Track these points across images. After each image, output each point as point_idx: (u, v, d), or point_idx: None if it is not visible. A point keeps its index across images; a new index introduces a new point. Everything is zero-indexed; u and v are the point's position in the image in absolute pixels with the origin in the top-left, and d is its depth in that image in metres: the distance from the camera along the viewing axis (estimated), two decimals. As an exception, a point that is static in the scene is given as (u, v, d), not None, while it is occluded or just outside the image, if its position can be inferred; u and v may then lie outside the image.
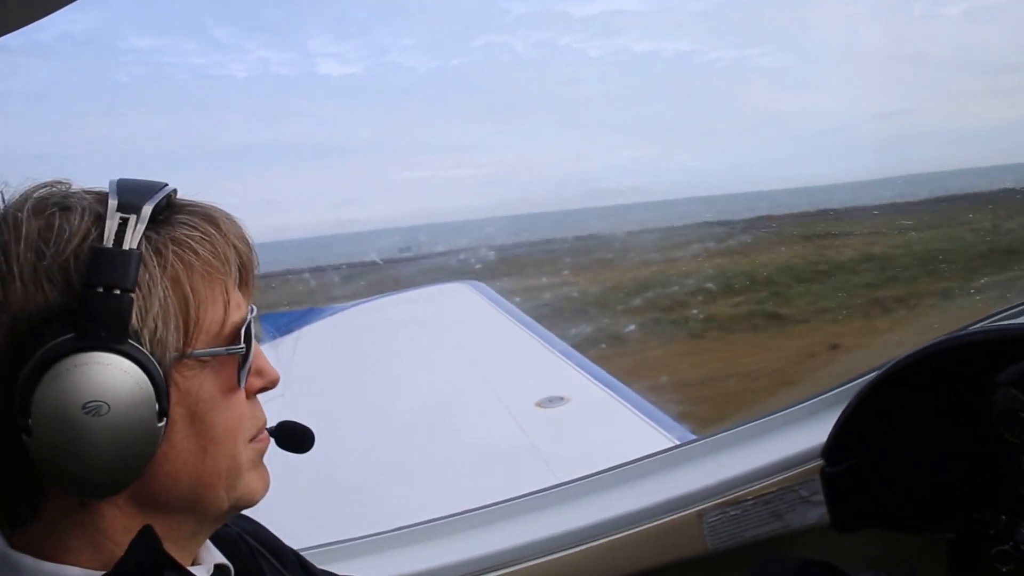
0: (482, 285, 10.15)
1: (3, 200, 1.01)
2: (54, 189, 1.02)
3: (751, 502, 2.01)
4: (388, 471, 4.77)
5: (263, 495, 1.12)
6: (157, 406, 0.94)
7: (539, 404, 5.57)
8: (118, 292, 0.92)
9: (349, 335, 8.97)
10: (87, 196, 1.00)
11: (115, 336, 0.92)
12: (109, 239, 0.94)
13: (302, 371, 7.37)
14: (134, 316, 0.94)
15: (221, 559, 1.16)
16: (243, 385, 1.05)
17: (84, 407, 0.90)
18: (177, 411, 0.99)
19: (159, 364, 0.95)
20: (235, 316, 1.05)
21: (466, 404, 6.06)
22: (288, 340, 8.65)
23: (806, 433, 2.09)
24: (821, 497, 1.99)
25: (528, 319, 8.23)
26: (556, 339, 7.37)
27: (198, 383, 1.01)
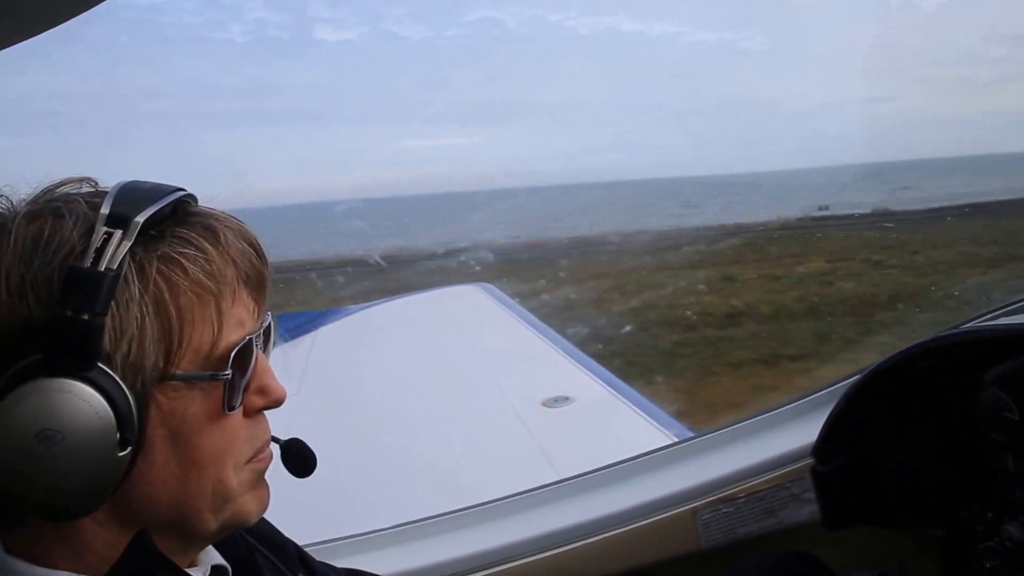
0: (492, 287, 10.16)
1: (10, 202, 0.97)
2: (62, 191, 0.98)
3: (743, 499, 2.00)
4: (396, 468, 4.77)
5: (258, 516, 1.07)
6: (118, 435, 0.89)
7: (545, 404, 5.57)
8: (87, 316, 0.87)
9: (363, 336, 8.97)
10: (86, 202, 0.95)
11: (82, 361, 0.88)
12: (88, 256, 0.89)
13: (318, 371, 7.39)
14: (106, 338, 0.89)
15: (218, 559, 1.13)
16: (232, 409, 1.00)
17: (37, 435, 0.86)
18: (158, 432, 0.94)
19: (132, 388, 0.90)
20: (231, 336, 0.99)
21: (475, 404, 6.06)
22: (305, 340, 8.67)
23: (797, 432, 2.08)
24: (812, 495, 1.98)
25: (536, 320, 8.23)
26: (563, 339, 7.36)
27: (183, 405, 0.96)
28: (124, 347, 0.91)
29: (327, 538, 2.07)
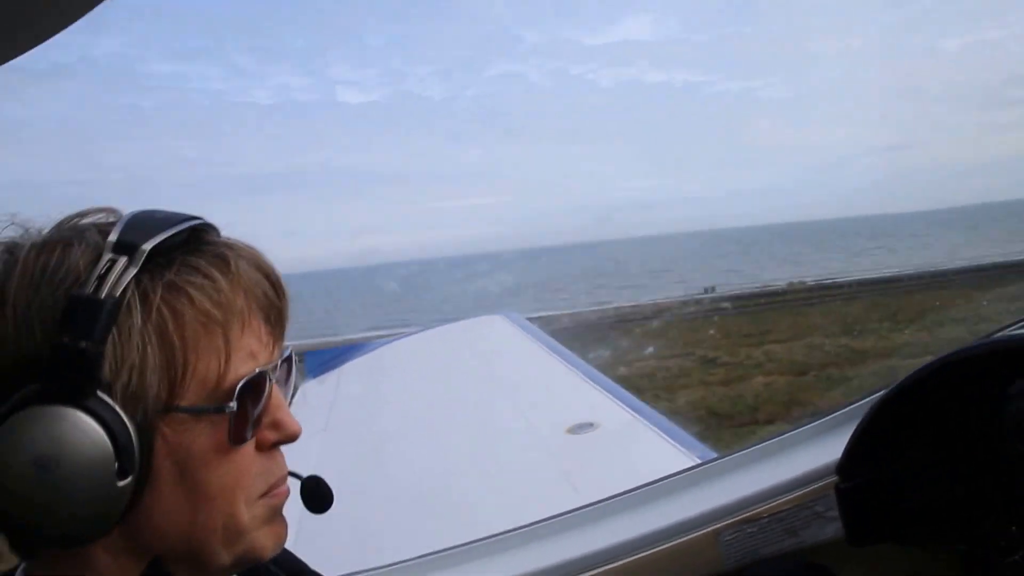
0: (516, 316, 10.14)
1: (25, 230, 0.96)
2: (81, 221, 0.97)
3: (766, 519, 1.97)
4: (423, 498, 4.76)
5: (274, 551, 1.05)
6: (117, 464, 0.88)
7: (570, 430, 5.54)
8: (85, 344, 0.86)
9: (390, 370, 8.99)
10: (98, 230, 0.94)
11: (79, 390, 0.86)
12: (91, 283, 0.88)
13: (345, 405, 7.41)
14: (106, 367, 0.88)
15: None
16: (239, 443, 0.97)
17: (34, 462, 0.85)
18: (165, 464, 0.93)
19: (133, 418, 0.89)
20: (241, 368, 0.97)
21: (500, 433, 6.04)
22: (332, 375, 8.70)
23: (821, 450, 2.04)
24: (835, 513, 1.94)
25: (560, 347, 8.20)
26: (587, 365, 7.33)
27: (190, 437, 0.94)
28: (124, 376, 0.89)
29: (355, 570, 2.05)
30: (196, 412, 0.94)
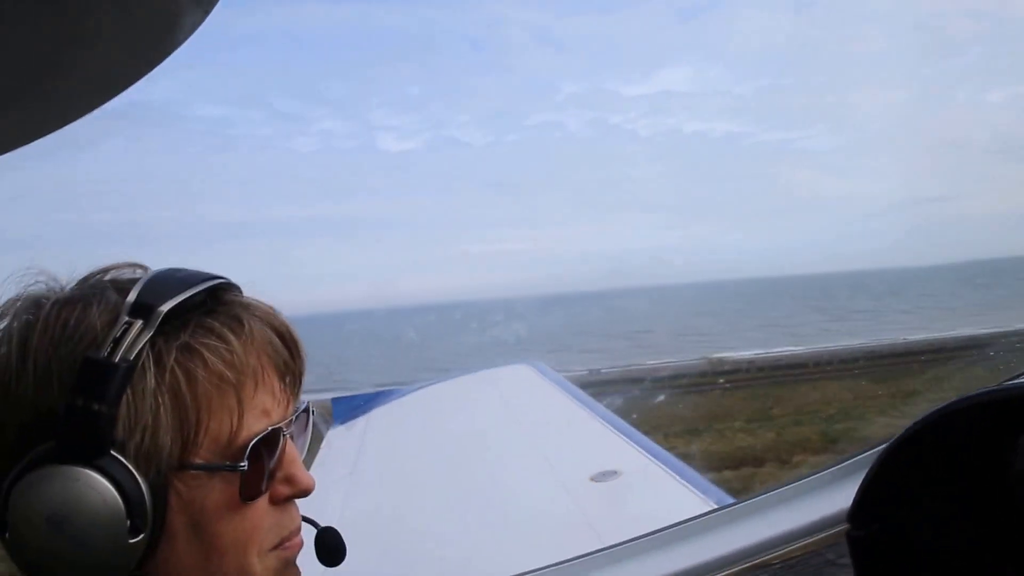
0: (543, 366, 10.14)
1: (59, 284, 0.99)
2: (104, 277, 1.00)
3: (778, 566, 1.96)
4: (450, 542, 4.75)
5: None
6: (129, 522, 0.89)
7: (593, 479, 5.53)
8: (98, 406, 0.87)
9: (417, 417, 9.00)
10: (117, 289, 0.96)
11: (92, 450, 0.88)
12: (106, 346, 0.89)
13: (372, 451, 7.41)
14: (119, 428, 0.89)
15: None
16: (251, 499, 0.98)
17: (48, 520, 0.87)
18: (179, 519, 0.94)
19: (146, 477, 0.90)
20: (254, 426, 0.98)
21: (525, 480, 6.02)
22: (360, 421, 8.71)
23: (833, 497, 2.04)
24: (847, 560, 1.93)
25: (586, 396, 8.20)
26: (611, 414, 7.31)
27: (203, 493, 0.95)
28: (137, 436, 0.90)
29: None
30: (209, 469, 0.95)
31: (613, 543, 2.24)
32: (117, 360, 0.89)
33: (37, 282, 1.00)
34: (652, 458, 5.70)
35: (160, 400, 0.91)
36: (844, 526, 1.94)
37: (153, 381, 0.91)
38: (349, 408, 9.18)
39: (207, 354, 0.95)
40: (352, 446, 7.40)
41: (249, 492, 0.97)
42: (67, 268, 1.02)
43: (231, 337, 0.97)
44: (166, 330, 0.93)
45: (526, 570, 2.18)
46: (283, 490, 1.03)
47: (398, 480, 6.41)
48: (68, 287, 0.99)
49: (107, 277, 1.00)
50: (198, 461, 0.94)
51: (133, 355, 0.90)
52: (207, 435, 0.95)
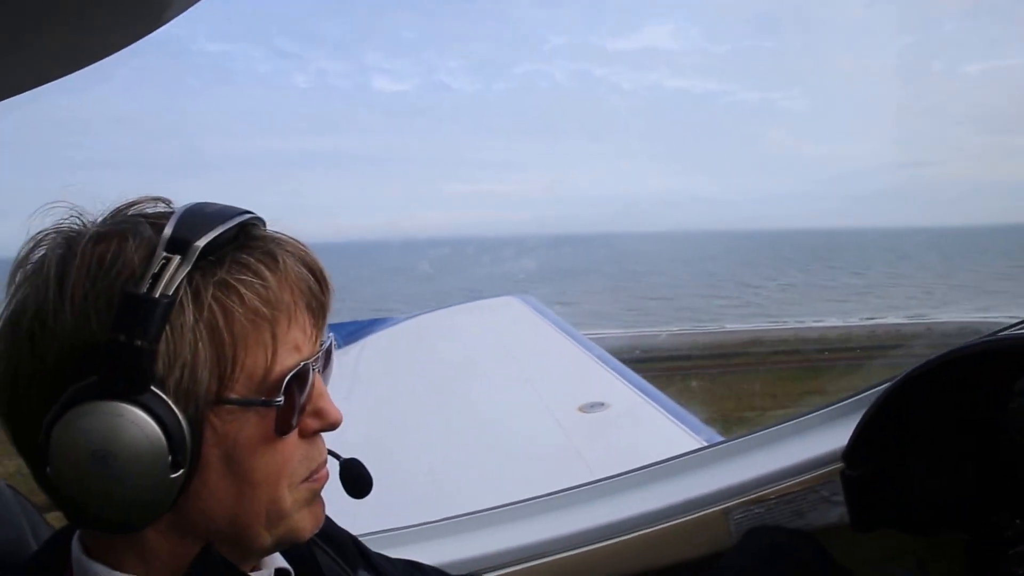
0: (531, 298, 10.15)
1: (80, 221, 0.97)
2: (133, 211, 0.98)
3: (774, 501, 1.98)
4: (442, 468, 4.79)
5: (312, 532, 1.07)
6: (170, 458, 0.89)
7: (581, 409, 5.56)
8: (140, 342, 0.86)
9: (409, 345, 9.02)
10: (151, 224, 0.94)
11: (134, 386, 0.87)
12: (146, 281, 0.88)
13: (366, 377, 7.44)
14: (160, 364, 0.88)
15: (281, 562, 1.12)
16: (285, 433, 0.98)
17: (92, 455, 0.87)
18: (213, 452, 0.94)
19: (185, 412, 0.90)
20: (287, 361, 0.97)
21: (514, 409, 6.06)
22: (355, 347, 8.72)
23: (827, 437, 2.05)
24: (841, 498, 1.95)
25: (573, 330, 8.22)
26: (599, 348, 7.34)
27: (237, 427, 0.95)
28: (177, 372, 0.90)
29: (373, 530, 2.07)
30: (245, 404, 0.95)
31: (605, 475, 2.26)
32: (157, 296, 0.87)
33: (71, 216, 0.97)
34: (640, 392, 5.74)
35: (199, 336, 0.91)
36: (839, 465, 1.97)
37: (192, 317, 0.90)
38: (343, 335, 9.19)
39: (243, 290, 0.94)
40: (347, 372, 7.42)
41: (282, 426, 0.97)
42: (87, 201, 0.99)
43: (266, 273, 0.96)
44: (202, 265, 0.92)
45: (516, 499, 2.20)
46: (312, 424, 1.03)
47: (389, 409, 6.43)
48: (96, 220, 0.97)
49: (131, 212, 0.98)
50: (234, 396, 0.94)
51: (172, 291, 0.88)
52: (243, 371, 0.94)
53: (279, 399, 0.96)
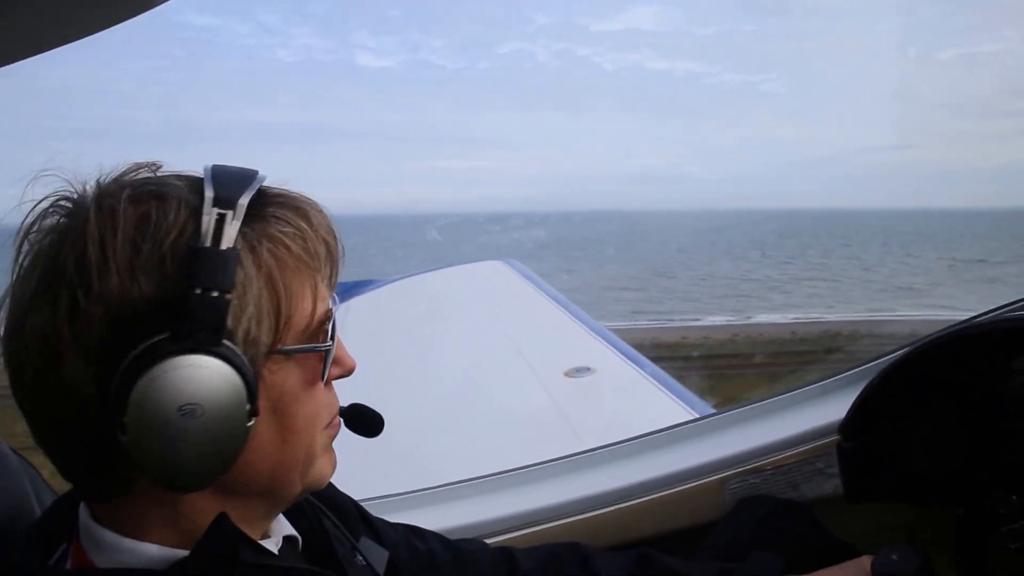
0: (518, 263, 10.13)
1: (98, 185, 0.95)
2: (149, 174, 0.98)
3: (770, 472, 2.01)
4: (428, 434, 4.79)
5: (330, 477, 1.11)
6: (248, 406, 0.91)
7: (567, 374, 5.57)
8: (216, 294, 0.88)
9: (395, 308, 8.99)
10: (181, 185, 0.95)
11: (211, 338, 0.88)
12: (207, 237, 0.89)
13: (351, 340, 7.41)
14: (229, 316, 0.90)
15: (289, 529, 1.14)
16: (324, 380, 1.03)
17: (180, 409, 0.87)
18: (262, 404, 0.95)
19: (251, 363, 0.92)
20: (321, 310, 1.02)
21: (500, 373, 6.07)
22: (341, 309, 8.67)
23: (823, 410, 2.08)
24: (836, 470, 1.98)
25: (560, 296, 8.22)
26: (586, 315, 7.35)
27: (283, 376, 0.98)
28: (245, 323, 0.92)
29: (369, 496, 2.09)
30: (300, 352, 0.99)
31: (591, 440, 2.28)
32: (224, 249, 0.89)
33: (71, 184, 0.96)
34: (627, 359, 5.76)
35: (260, 288, 0.94)
36: (835, 437, 1.99)
37: (253, 269, 0.93)
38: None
39: (289, 242, 0.97)
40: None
41: (325, 372, 1.02)
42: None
43: (304, 226, 0.99)
44: (248, 221, 0.94)
45: (513, 467, 2.22)
46: (334, 371, 1.07)
47: (375, 371, 6.43)
48: (102, 185, 0.96)
49: (142, 175, 0.98)
50: (285, 347, 0.97)
51: (231, 245, 0.90)
52: (291, 320, 0.98)
53: (328, 344, 1.01)
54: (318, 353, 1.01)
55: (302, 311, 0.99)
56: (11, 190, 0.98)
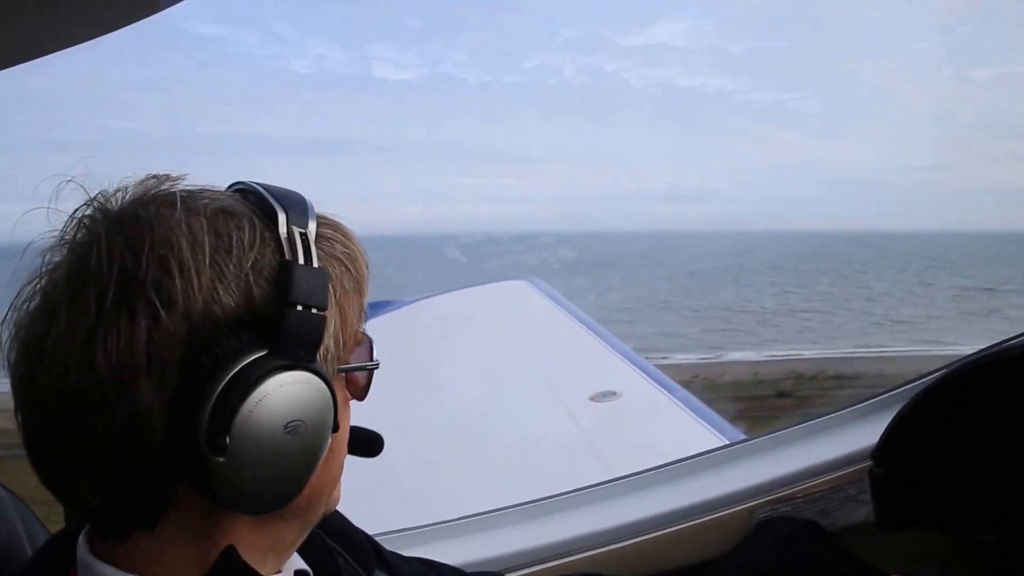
0: (541, 282, 10.09)
1: (143, 197, 0.91)
2: (188, 185, 0.94)
3: (801, 500, 1.97)
4: (449, 461, 4.76)
5: (338, 502, 1.11)
6: (332, 419, 0.92)
7: (593, 398, 5.53)
8: (316, 311, 0.88)
9: (415, 329, 8.98)
10: (240, 200, 0.93)
11: (309, 354, 0.89)
12: (298, 255, 0.89)
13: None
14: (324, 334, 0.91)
15: (301, 564, 1.10)
16: (362, 399, 1.05)
17: (286, 427, 0.86)
18: None
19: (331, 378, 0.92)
20: (362, 328, 1.03)
21: (523, 396, 6.04)
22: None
23: (856, 435, 2.04)
24: (867, 496, 1.94)
25: (585, 316, 8.16)
26: (612, 336, 7.29)
27: (339, 394, 0.97)
28: (327, 341, 0.93)
29: (387, 530, 2.06)
30: (354, 371, 1.02)
31: (618, 468, 2.25)
32: (317, 267, 0.90)
33: (99, 195, 0.91)
34: (654, 383, 5.70)
35: (335, 306, 0.95)
36: (867, 463, 1.95)
37: (330, 287, 0.94)
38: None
39: (348, 263, 0.98)
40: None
41: (365, 391, 1.06)
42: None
43: (354, 248, 1.01)
44: (317, 241, 0.94)
45: (535, 498, 2.18)
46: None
47: (396, 394, 6.41)
48: (132, 197, 0.92)
49: (166, 187, 0.93)
50: (349, 364, 1.00)
51: (316, 263, 0.91)
52: (350, 340, 1.00)
53: (377, 362, 1.04)
54: (365, 371, 1.03)
55: (356, 330, 1.01)
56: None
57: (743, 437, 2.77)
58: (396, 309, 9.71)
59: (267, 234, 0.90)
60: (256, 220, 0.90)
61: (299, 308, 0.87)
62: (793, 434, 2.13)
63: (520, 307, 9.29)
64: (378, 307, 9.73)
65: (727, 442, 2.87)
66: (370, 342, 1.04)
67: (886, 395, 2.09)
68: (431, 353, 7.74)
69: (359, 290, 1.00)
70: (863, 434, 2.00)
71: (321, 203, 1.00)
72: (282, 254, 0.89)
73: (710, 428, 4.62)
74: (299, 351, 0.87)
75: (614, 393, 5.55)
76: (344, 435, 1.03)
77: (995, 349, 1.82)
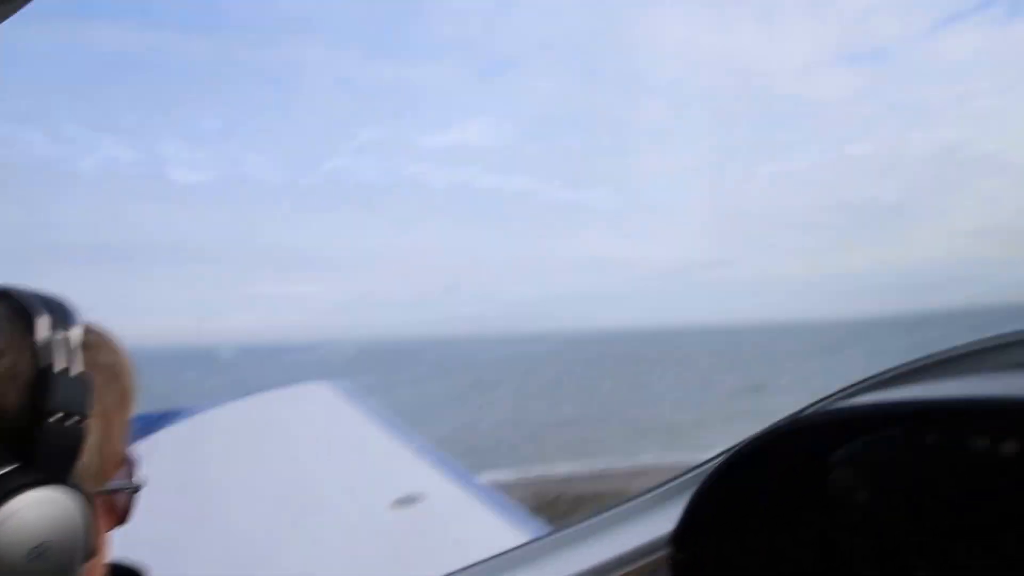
0: (341, 384, 9.87)
1: None
2: None
3: None
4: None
5: None
6: (86, 545, 0.82)
7: (395, 504, 5.39)
8: (75, 420, 0.80)
9: (207, 439, 8.49)
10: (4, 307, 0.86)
11: (64, 468, 0.80)
12: (59, 361, 0.81)
13: (157, 476, 6.92)
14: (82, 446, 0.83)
15: None
16: (123, 524, 0.96)
17: (30, 552, 0.76)
18: None
19: (89, 497, 0.83)
20: (126, 445, 0.96)
21: (323, 507, 5.80)
22: (145, 443, 8.11)
23: (656, 521, 2.01)
24: None
25: (386, 418, 8.03)
26: (415, 436, 7.20)
27: (97, 515, 0.89)
28: (86, 454, 0.84)
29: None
30: (117, 491, 0.93)
31: (415, 572, 2.14)
32: (80, 373, 0.83)
33: None
34: (458, 483, 5.66)
35: (100, 415, 0.87)
36: (667, 549, 1.92)
37: (93, 398, 0.85)
38: (136, 428, 8.55)
39: (114, 374, 0.92)
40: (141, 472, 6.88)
41: (127, 515, 0.97)
42: None
43: (123, 360, 0.94)
44: (82, 348, 0.87)
45: None
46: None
47: (185, 510, 5.99)
48: None
49: None
50: (111, 483, 0.92)
51: (76, 370, 0.83)
52: (114, 456, 0.92)
53: (139, 484, 0.95)
54: (127, 493, 0.94)
55: (120, 447, 0.93)
56: None
57: (545, 532, 2.71)
58: (184, 419, 9.17)
59: (25, 340, 0.82)
60: (12, 324, 0.83)
61: (56, 418, 0.79)
62: (594, 526, 2.08)
63: (319, 412, 9.01)
64: (164, 417, 9.16)
65: (531, 537, 2.81)
66: (134, 461, 0.95)
67: (684, 478, 2.09)
68: (227, 463, 7.34)
69: (125, 404, 0.93)
70: (664, 520, 1.98)
71: (94, 311, 0.93)
72: (39, 360, 0.81)
73: (512, 525, 4.61)
74: (54, 466, 0.79)
75: (416, 497, 5.43)
76: (100, 564, 0.92)
77: (783, 421, 1.85)
